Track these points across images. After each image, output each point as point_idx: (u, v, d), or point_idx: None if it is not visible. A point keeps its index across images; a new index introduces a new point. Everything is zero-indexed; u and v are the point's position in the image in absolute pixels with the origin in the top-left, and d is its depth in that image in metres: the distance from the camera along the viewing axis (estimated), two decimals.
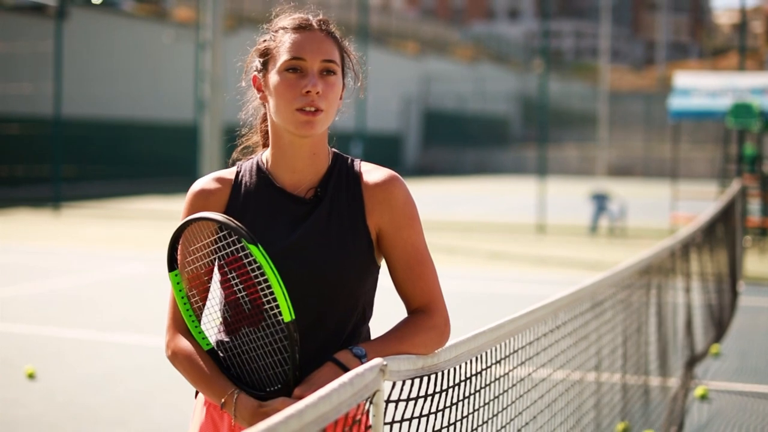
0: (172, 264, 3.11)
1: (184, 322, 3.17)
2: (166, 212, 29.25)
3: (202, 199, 3.21)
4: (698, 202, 27.38)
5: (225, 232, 3.02)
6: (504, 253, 20.69)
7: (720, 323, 11.97)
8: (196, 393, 3.34)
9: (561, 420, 4.55)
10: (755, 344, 11.81)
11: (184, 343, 3.15)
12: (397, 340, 3.02)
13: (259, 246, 2.88)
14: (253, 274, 2.98)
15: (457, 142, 68.92)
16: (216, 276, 3.18)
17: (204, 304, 3.18)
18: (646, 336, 7.46)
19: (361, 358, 2.93)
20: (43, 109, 35.49)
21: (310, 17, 3.19)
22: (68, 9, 38.14)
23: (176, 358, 3.15)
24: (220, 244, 3.06)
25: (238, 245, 2.98)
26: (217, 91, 27.54)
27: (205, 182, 3.24)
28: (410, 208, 3.18)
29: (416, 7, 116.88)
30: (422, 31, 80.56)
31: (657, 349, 8.02)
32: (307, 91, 3.05)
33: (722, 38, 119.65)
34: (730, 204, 14.76)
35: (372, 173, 3.21)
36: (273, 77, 3.12)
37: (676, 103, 23.28)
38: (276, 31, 3.18)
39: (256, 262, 2.94)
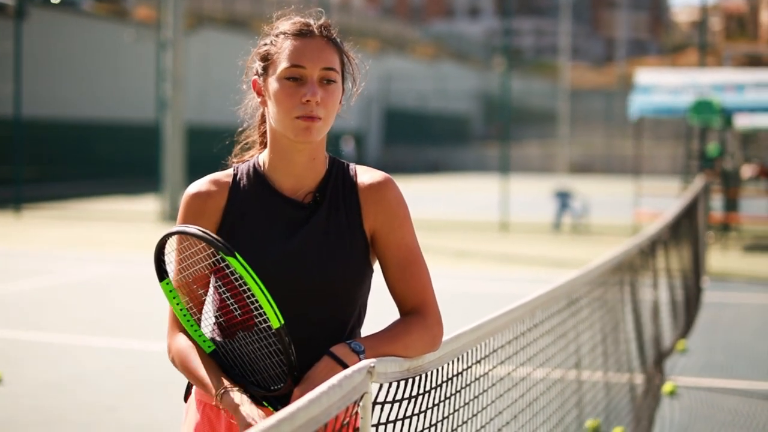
0: (161, 274, 3.09)
1: (182, 325, 3.16)
2: (129, 213, 29.11)
3: (200, 203, 3.19)
4: (661, 199, 27.53)
5: (205, 243, 3.01)
6: (468, 251, 20.72)
7: (685, 319, 12.03)
8: (186, 396, 3.34)
9: (543, 419, 4.55)
10: (720, 340, 11.88)
11: (179, 345, 3.15)
12: (391, 338, 3.02)
13: (238, 256, 2.87)
14: (237, 283, 2.98)
15: (419, 141, 68.99)
16: (212, 281, 3.17)
17: (201, 309, 3.18)
18: (625, 333, 7.49)
19: (359, 354, 2.93)
20: (2, 109, 35.21)
21: (311, 22, 3.18)
22: (27, 9, 37.86)
23: (174, 361, 3.16)
24: (205, 253, 3.05)
25: (218, 256, 2.98)
26: (178, 91, 27.47)
27: (201, 185, 3.21)
28: (403, 209, 3.20)
29: (376, 5, 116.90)
30: (382, 29, 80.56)
31: (635, 346, 8.04)
32: (307, 100, 3.05)
33: (681, 35, 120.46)
34: (694, 200, 14.85)
35: (366, 175, 3.23)
36: (272, 83, 3.11)
37: (638, 100, 23.39)
38: (277, 36, 3.16)
39: (237, 272, 2.92)
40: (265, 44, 3.19)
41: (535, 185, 45.67)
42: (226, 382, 3.00)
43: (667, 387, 9.16)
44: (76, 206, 31.87)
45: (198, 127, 42.28)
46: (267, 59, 3.16)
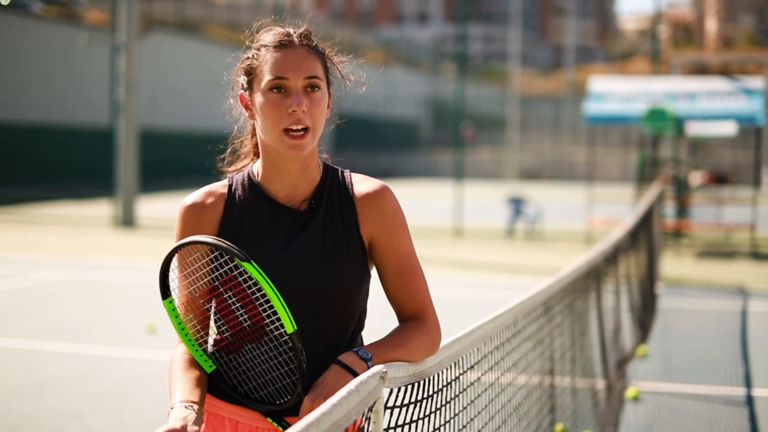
0: (165, 291, 3.08)
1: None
2: (82, 217, 28.89)
3: (196, 214, 3.19)
4: (613, 205, 27.75)
5: (216, 253, 3.01)
6: (422, 257, 20.57)
7: (643, 325, 12.16)
8: None
9: (526, 423, 4.63)
10: (678, 345, 12.02)
11: (174, 355, 3.16)
12: (396, 344, 3.06)
13: (253, 262, 2.88)
14: (249, 291, 2.99)
15: (369, 146, 69.10)
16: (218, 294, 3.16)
17: (204, 326, 3.17)
18: (590, 339, 7.59)
19: (368, 361, 2.96)
20: None
21: (291, 32, 3.19)
22: None
23: None
24: (213, 266, 3.06)
25: (231, 264, 2.98)
26: (131, 95, 27.33)
27: (197, 196, 3.22)
28: (400, 217, 3.24)
29: (326, 10, 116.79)
30: (333, 34, 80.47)
31: (599, 352, 8.14)
32: (293, 110, 3.06)
33: (628, 43, 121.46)
34: (651, 207, 15.01)
35: (363, 183, 3.26)
36: (258, 97, 3.13)
37: (592, 107, 23.55)
38: (258, 49, 3.18)
39: (251, 279, 2.94)
40: (248, 58, 3.21)
41: (486, 191, 45.84)
42: (179, 398, 2.94)
43: (630, 392, 9.27)
44: (28, 211, 31.60)
45: (148, 131, 42.07)
46: (251, 73, 3.18)
